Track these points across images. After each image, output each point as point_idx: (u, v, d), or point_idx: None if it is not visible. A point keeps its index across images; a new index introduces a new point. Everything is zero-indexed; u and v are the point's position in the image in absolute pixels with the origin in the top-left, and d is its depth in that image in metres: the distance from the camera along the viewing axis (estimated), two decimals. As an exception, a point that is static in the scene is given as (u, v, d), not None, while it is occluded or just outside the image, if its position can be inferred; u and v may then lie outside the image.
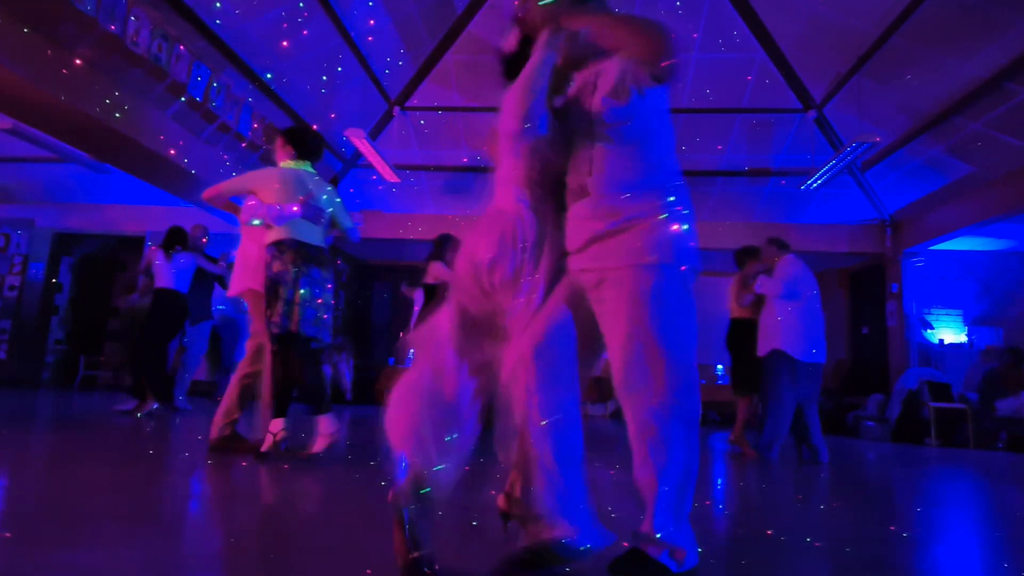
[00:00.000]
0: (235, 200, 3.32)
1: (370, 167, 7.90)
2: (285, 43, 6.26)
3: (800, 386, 4.31)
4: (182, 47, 5.38)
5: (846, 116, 7.16)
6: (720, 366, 9.29)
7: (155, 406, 5.17)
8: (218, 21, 5.57)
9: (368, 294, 11.15)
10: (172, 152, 5.96)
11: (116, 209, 8.96)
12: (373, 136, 7.70)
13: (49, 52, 4.60)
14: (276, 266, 2.99)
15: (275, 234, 3.04)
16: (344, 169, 8.60)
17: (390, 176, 7.68)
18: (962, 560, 1.96)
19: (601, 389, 7.57)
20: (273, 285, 2.98)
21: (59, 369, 9.36)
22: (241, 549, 1.64)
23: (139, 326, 5.54)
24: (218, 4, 5.43)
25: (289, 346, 3.00)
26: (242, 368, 3.27)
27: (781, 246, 4.66)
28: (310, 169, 3.29)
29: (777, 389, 4.31)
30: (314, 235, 3.12)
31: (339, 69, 7.01)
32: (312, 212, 3.09)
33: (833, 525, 2.32)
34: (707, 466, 4.00)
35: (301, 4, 5.93)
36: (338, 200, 3.34)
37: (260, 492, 2.46)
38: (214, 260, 5.76)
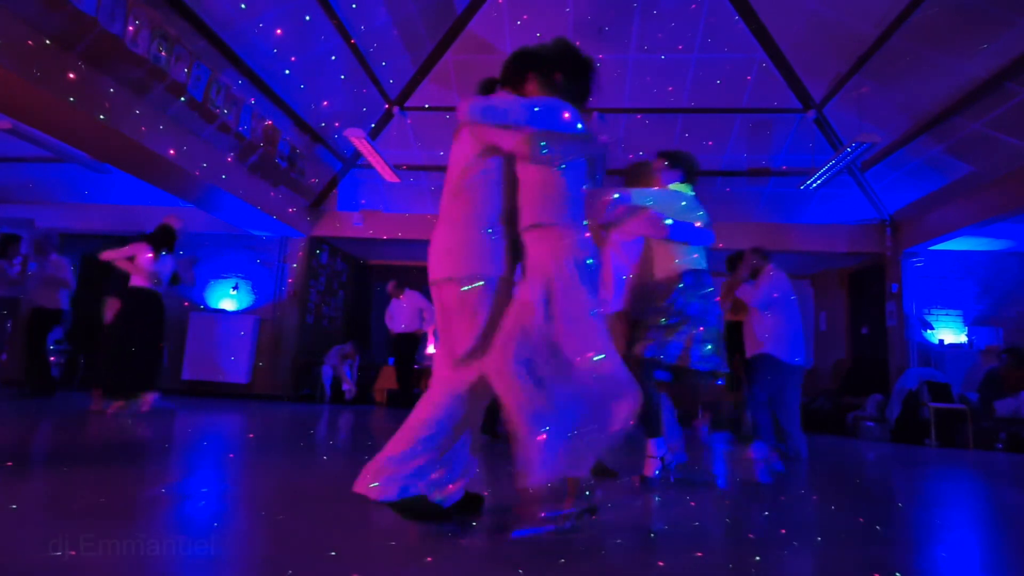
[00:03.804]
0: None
1: (370, 167, 7.90)
2: (284, 43, 6.26)
3: (782, 387, 4.46)
4: (182, 47, 5.38)
5: (846, 116, 7.15)
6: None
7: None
8: (218, 27, 5.58)
9: (368, 294, 11.15)
10: (172, 152, 5.96)
11: (116, 209, 8.96)
12: (373, 136, 7.70)
13: (49, 52, 4.60)
14: (681, 296, 3.02)
15: (681, 264, 3.07)
16: (344, 169, 8.61)
17: (390, 176, 7.68)
18: (961, 560, 1.97)
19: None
20: (677, 313, 3.00)
21: (60, 369, 9.35)
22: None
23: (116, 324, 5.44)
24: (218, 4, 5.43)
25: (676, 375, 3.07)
26: None
27: (763, 255, 4.74)
28: (687, 191, 3.22)
29: (763, 390, 4.46)
30: (695, 259, 3.11)
31: (342, 76, 7.01)
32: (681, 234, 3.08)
33: (832, 525, 2.32)
34: (706, 466, 4.01)
35: (301, 4, 5.93)
36: (700, 213, 3.21)
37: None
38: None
